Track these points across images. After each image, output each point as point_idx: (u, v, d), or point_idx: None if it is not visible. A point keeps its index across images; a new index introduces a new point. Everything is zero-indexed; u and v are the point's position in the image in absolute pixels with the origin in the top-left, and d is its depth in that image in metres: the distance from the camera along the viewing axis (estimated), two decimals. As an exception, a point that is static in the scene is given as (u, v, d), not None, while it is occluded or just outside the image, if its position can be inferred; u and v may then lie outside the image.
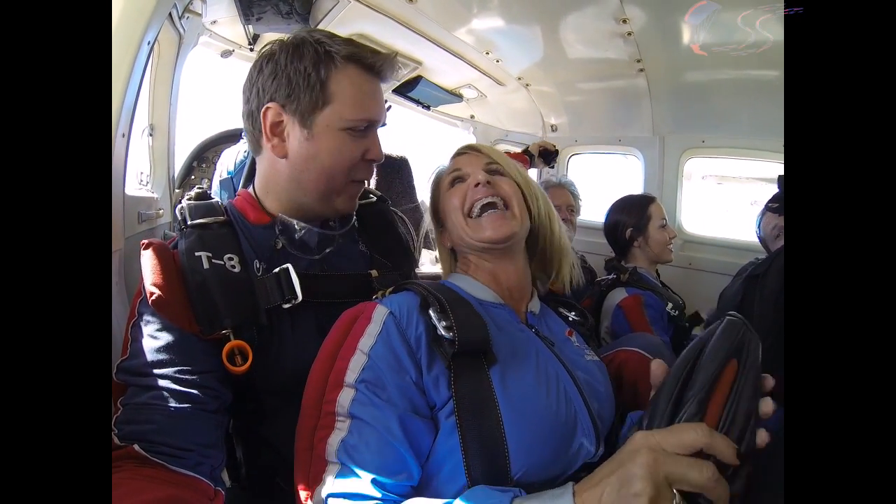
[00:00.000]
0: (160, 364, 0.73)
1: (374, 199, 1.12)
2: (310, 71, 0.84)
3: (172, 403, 0.71)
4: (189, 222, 0.86)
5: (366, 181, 0.98)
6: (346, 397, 0.69)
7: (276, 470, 0.86)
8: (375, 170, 2.27)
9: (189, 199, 0.92)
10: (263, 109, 0.87)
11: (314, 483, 0.67)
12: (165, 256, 0.80)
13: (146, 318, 0.76)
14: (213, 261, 0.80)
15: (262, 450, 0.89)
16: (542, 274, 1.01)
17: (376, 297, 0.84)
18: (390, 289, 0.85)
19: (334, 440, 0.67)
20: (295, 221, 0.92)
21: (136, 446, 0.67)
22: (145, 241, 0.81)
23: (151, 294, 0.75)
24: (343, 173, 0.90)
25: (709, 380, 0.56)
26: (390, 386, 0.69)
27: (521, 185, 0.94)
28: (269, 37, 2.04)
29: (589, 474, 0.57)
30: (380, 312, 0.76)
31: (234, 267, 0.82)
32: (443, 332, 0.72)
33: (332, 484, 0.65)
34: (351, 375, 0.70)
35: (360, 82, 0.88)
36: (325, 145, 0.87)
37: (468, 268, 0.93)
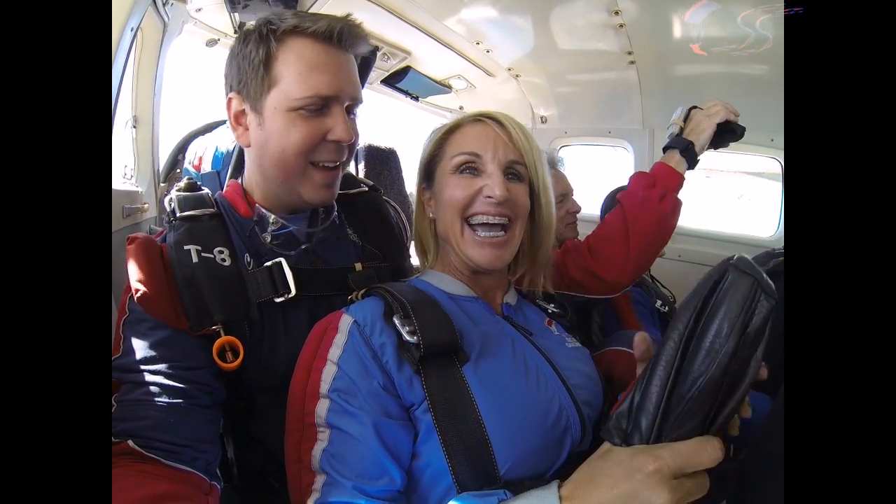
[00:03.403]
0: (152, 360, 0.72)
1: (366, 188, 1.09)
2: (253, 54, 0.81)
3: (166, 399, 0.70)
4: (178, 214, 0.84)
5: (338, 166, 0.89)
6: (322, 408, 0.70)
7: (268, 469, 0.85)
8: (364, 161, 2.23)
9: (178, 191, 0.89)
10: (227, 100, 0.86)
11: (306, 494, 0.67)
12: (152, 251, 0.78)
13: (137, 315, 0.75)
14: (203, 254, 0.79)
15: (253, 449, 0.88)
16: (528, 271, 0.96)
17: (351, 298, 0.83)
18: (363, 291, 0.83)
19: (317, 450, 0.68)
20: (271, 215, 0.90)
21: (130, 442, 0.66)
22: (130, 236, 0.79)
23: (137, 291, 0.73)
24: (297, 156, 0.83)
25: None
26: (361, 392, 0.69)
27: (537, 191, 0.86)
28: (256, 25, 1.99)
29: (576, 471, 0.57)
30: (345, 322, 0.75)
31: (224, 260, 0.80)
32: (407, 338, 0.71)
33: (320, 493, 0.66)
34: (324, 386, 0.71)
35: (309, 55, 0.81)
36: (274, 128, 0.82)
37: (443, 260, 0.89)
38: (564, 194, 1.83)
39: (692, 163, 1.13)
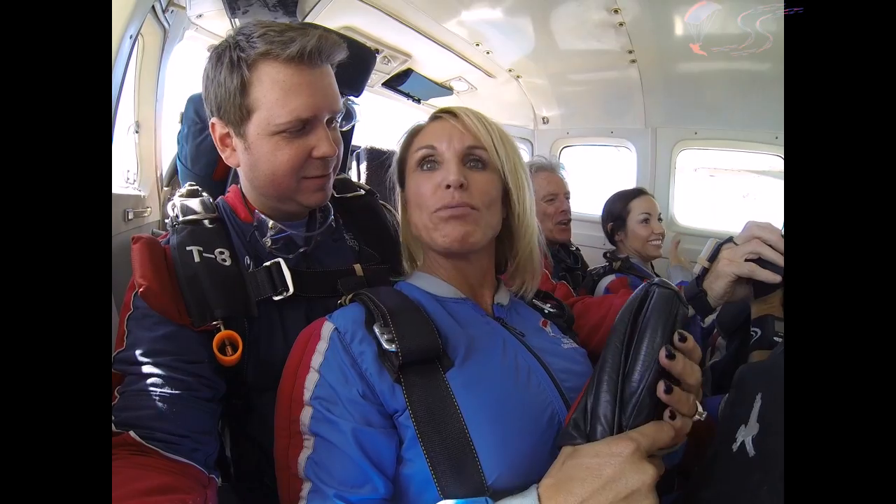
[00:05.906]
0: (155, 353, 0.74)
1: (363, 192, 1.11)
2: (228, 83, 0.81)
3: (168, 390, 0.72)
4: (180, 219, 0.87)
5: (328, 175, 0.90)
6: (306, 415, 0.70)
7: (263, 469, 0.85)
8: (366, 163, 2.25)
9: (181, 196, 0.93)
10: (211, 124, 0.88)
11: (294, 502, 0.67)
12: (155, 250, 0.81)
13: (142, 311, 0.77)
14: (204, 255, 0.81)
15: (250, 449, 0.88)
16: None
17: (340, 303, 0.82)
18: (349, 296, 0.82)
19: (303, 458, 0.68)
20: (270, 220, 0.92)
21: (132, 433, 0.67)
22: (135, 236, 0.82)
23: (140, 285, 0.75)
24: (289, 176, 0.85)
25: (653, 362, 0.58)
26: (341, 400, 0.69)
27: (506, 178, 0.84)
28: (257, 30, 2.00)
29: (548, 476, 0.58)
30: (327, 329, 0.75)
31: (224, 261, 0.83)
32: (386, 346, 0.70)
33: (306, 501, 0.66)
34: (307, 394, 0.71)
35: (282, 79, 0.81)
36: (262, 152, 0.84)
37: (429, 263, 0.87)
38: (555, 193, 1.90)
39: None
